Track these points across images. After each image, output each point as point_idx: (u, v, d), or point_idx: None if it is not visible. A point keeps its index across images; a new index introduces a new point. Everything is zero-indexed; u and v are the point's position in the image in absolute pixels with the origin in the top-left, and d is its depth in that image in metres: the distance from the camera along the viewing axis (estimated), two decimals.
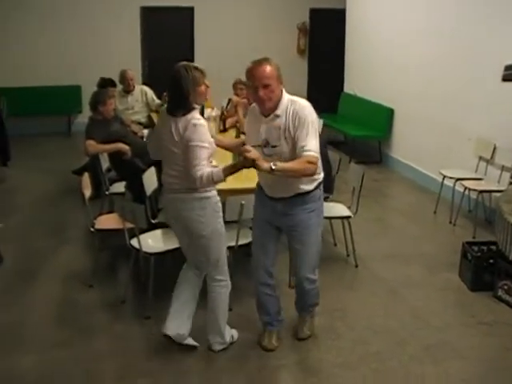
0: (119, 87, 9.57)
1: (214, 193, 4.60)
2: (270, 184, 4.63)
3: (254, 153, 4.16)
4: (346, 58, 13.10)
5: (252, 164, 4.15)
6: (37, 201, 8.54)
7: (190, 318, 4.88)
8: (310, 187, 4.58)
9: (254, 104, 4.61)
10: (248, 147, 4.20)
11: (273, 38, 14.22)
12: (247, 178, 5.94)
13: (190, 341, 4.89)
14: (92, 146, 7.19)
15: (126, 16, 13.61)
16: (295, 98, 4.45)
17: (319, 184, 4.67)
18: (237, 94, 9.03)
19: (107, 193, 7.10)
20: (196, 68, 4.49)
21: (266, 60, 4.39)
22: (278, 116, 4.39)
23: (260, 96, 4.32)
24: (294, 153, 4.34)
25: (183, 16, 14.21)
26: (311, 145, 4.28)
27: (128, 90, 9.57)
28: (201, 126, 4.38)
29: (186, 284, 4.93)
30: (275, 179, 4.40)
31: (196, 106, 4.47)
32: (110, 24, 13.41)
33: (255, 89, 4.33)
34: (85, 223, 6.68)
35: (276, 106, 4.38)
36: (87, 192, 5.95)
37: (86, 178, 6.13)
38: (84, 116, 9.10)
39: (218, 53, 13.74)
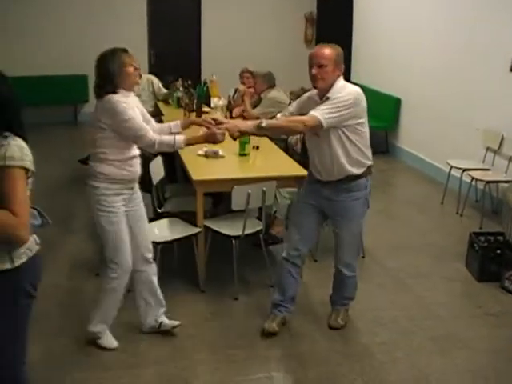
0: None
1: (103, 185, 4.48)
2: (317, 165, 4.75)
3: (230, 123, 4.43)
4: (353, 47, 13.04)
5: (215, 140, 4.42)
6: (43, 189, 8.52)
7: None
8: (358, 171, 4.65)
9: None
10: (224, 120, 4.40)
11: (280, 27, 14.17)
12: (254, 167, 5.95)
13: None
14: None
15: (133, 5, 13.56)
16: (350, 85, 4.64)
17: (367, 170, 4.72)
18: (243, 83, 9.00)
19: None
20: (124, 50, 4.48)
21: (329, 44, 4.68)
22: (328, 98, 4.50)
23: (313, 74, 4.53)
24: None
25: (190, 5, 14.17)
26: (320, 110, 4.40)
27: None
28: (113, 103, 4.35)
29: None
30: (322, 160, 4.65)
31: (121, 91, 4.42)
32: (117, 13, 13.34)
33: (310, 67, 4.57)
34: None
35: (328, 89, 4.53)
36: None
37: None
38: (90, 105, 9.05)
39: (225, 41, 13.70)
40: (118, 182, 4.46)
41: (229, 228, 5.60)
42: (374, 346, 4.91)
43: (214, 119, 4.55)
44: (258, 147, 6.55)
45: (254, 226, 5.67)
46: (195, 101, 8.50)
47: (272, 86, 8.42)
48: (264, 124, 4.41)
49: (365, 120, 4.66)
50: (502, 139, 7.94)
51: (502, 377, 4.56)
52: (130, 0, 13.51)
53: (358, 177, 4.66)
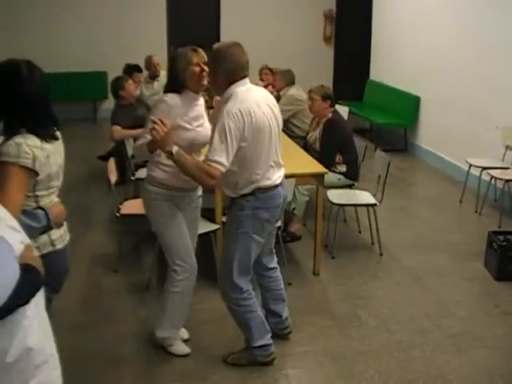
0: (145, 73, 9.59)
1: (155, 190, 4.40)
2: None
3: (166, 131, 3.90)
4: (373, 45, 13.02)
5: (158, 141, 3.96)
6: (63, 186, 8.55)
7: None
8: (232, 194, 4.25)
9: None
10: (166, 122, 3.95)
11: (298, 25, 14.17)
12: None
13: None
14: (117, 131, 7.23)
15: (153, 2, 13.61)
16: (234, 99, 4.03)
17: (246, 194, 4.19)
18: (262, 80, 9.03)
19: (132, 178, 7.12)
20: (193, 49, 4.34)
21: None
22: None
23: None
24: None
25: (209, 3, 14.19)
26: (208, 163, 3.93)
27: (154, 76, 9.59)
28: (159, 101, 4.34)
29: None
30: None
31: (187, 92, 4.30)
32: (136, 10, 13.39)
33: None
34: (110, 208, 6.73)
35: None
36: (113, 177, 5.99)
37: (111, 164, 6.17)
38: (110, 102, 9.14)
39: (244, 39, 13.53)
40: (169, 188, 4.36)
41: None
42: (391, 344, 4.92)
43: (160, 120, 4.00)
44: None
45: (207, 227, 5.63)
46: (214, 98, 8.48)
47: (291, 83, 8.43)
48: (174, 153, 3.93)
49: (246, 144, 4.00)
50: None
51: None
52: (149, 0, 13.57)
53: (236, 197, 4.22)
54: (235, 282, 4.32)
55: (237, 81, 4.04)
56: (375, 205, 6.56)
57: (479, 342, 4.98)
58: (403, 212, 8.14)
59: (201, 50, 4.36)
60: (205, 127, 4.42)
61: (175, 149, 3.93)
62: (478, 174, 8.11)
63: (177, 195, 4.41)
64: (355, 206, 6.86)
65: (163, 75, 9.62)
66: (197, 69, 4.26)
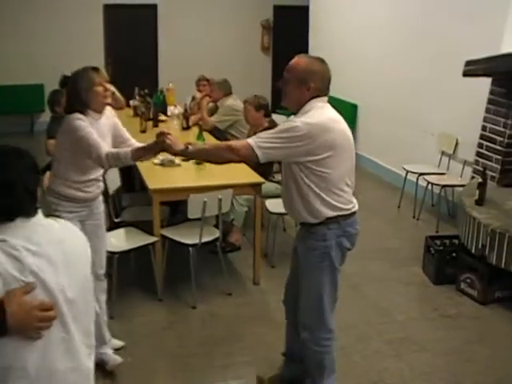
0: None
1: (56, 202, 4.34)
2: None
3: (172, 138, 3.91)
4: (310, 54, 13.08)
5: (162, 147, 3.95)
6: None
7: None
8: (312, 220, 3.83)
9: None
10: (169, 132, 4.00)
11: (237, 35, 14.21)
12: (210, 175, 5.95)
13: None
14: (53, 145, 7.11)
15: (89, 14, 13.47)
16: (322, 112, 3.78)
17: (329, 220, 3.81)
18: (200, 91, 9.00)
19: None
20: (94, 68, 4.33)
21: (307, 55, 4.11)
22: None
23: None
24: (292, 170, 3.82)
25: (147, 14, 14.12)
26: (257, 138, 3.74)
27: None
28: (73, 120, 4.23)
29: None
30: (283, 195, 4.04)
31: (90, 113, 4.27)
32: (73, 22, 13.24)
33: None
34: None
35: (297, 111, 3.84)
36: None
37: (48, 177, 6.08)
38: (47, 115, 8.99)
39: (182, 49, 13.67)
40: (71, 201, 4.32)
41: (186, 236, 5.58)
42: None
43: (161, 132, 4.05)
44: None
45: (211, 234, 5.67)
46: (152, 109, 8.46)
47: (228, 93, 8.42)
48: (190, 149, 3.88)
49: (329, 158, 3.70)
50: (457, 143, 8.04)
51: (458, 378, 4.61)
52: (86, 10, 13.42)
53: (316, 224, 3.84)
54: (327, 322, 4.03)
55: (320, 97, 3.83)
56: None
57: (418, 346, 5.03)
58: None
59: (101, 69, 4.38)
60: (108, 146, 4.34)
61: (189, 147, 3.89)
62: (414, 179, 8.21)
63: (79, 206, 4.38)
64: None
65: None
66: (100, 89, 4.25)
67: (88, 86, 4.22)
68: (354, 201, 3.95)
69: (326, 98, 3.87)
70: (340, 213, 3.80)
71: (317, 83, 3.77)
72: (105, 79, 4.31)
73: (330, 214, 3.78)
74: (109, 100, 4.33)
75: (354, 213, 3.92)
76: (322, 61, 3.90)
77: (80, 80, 4.27)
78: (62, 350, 2.23)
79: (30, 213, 2.25)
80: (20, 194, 2.23)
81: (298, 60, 3.88)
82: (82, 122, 4.18)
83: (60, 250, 2.24)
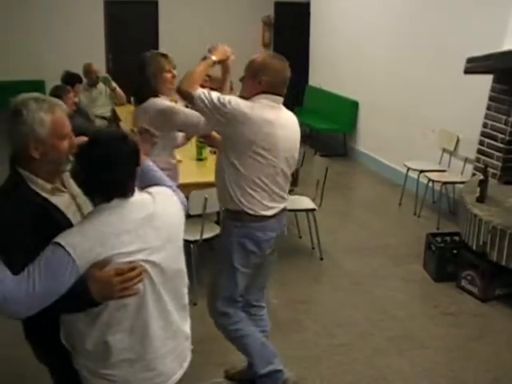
0: (84, 81, 9.46)
1: None
2: None
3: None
4: (311, 51, 13.11)
5: None
6: None
7: None
8: (225, 204, 3.96)
9: None
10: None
11: (238, 31, 14.17)
12: (211, 171, 5.93)
13: None
14: None
15: (90, 10, 13.47)
16: (252, 105, 3.76)
17: (235, 214, 3.88)
18: (202, 86, 8.97)
19: None
20: (162, 55, 4.40)
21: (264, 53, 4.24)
22: None
23: None
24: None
25: (148, 9, 14.12)
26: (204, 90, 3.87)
27: (92, 84, 9.46)
28: (157, 102, 4.28)
29: None
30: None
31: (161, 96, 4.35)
32: (74, 18, 13.24)
33: None
34: None
35: None
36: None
37: None
38: None
39: (183, 45, 13.60)
40: None
41: (186, 233, 5.52)
42: (332, 348, 4.93)
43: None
44: (215, 152, 6.54)
45: (212, 231, 5.65)
46: None
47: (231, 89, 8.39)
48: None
49: (245, 154, 3.71)
50: (458, 140, 8.03)
51: (458, 375, 4.61)
52: (87, 5, 13.42)
53: (229, 213, 3.93)
54: (217, 306, 4.13)
55: (272, 94, 3.84)
56: (314, 210, 6.59)
57: (419, 343, 5.03)
58: (343, 216, 8.20)
59: (170, 56, 4.42)
60: None
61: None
62: (415, 176, 8.21)
63: None
64: (294, 211, 6.87)
65: (101, 82, 9.51)
66: (169, 75, 4.34)
67: (156, 72, 4.28)
68: (275, 207, 3.90)
69: (278, 98, 3.85)
70: (245, 209, 3.80)
71: (269, 77, 3.81)
72: (172, 66, 4.39)
73: (232, 206, 3.84)
74: (175, 85, 4.30)
75: (265, 217, 3.85)
76: (281, 59, 3.97)
77: (148, 66, 4.30)
78: (155, 310, 2.59)
79: (126, 194, 2.52)
80: (120, 177, 2.48)
81: (257, 55, 3.99)
82: (164, 101, 4.30)
83: (150, 224, 2.54)
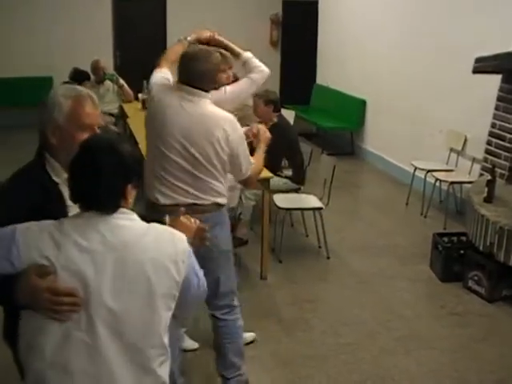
0: (92, 78, 9.48)
1: None
2: None
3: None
4: (319, 49, 13.10)
5: None
6: None
7: None
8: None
9: None
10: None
11: (245, 29, 14.15)
12: None
13: None
14: None
15: (98, 6, 13.48)
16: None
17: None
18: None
19: None
20: (221, 53, 4.19)
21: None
22: None
23: None
24: None
25: (156, 6, 14.14)
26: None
27: (100, 81, 9.48)
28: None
29: None
30: None
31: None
32: (82, 14, 13.26)
33: None
34: None
35: None
36: None
37: None
38: None
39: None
40: None
41: None
42: (338, 347, 4.93)
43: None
44: None
45: None
46: None
47: None
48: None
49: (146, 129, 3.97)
50: (466, 140, 8.01)
51: (464, 375, 4.60)
52: (95, 3, 13.44)
53: None
54: None
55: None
56: (321, 208, 6.58)
57: (426, 343, 5.02)
58: (350, 215, 8.20)
59: (228, 56, 4.52)
60: None
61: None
62: (423, 176, 8.19)
63: None
64: (301, 210, 6.88)
65: (108, 80, 9.52)
66: (224, 76, 4.35)
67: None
68: (156, 194, 3.84)
69: (187, 89, 3.82)
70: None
71: None
72: (229, 65, 4.45)
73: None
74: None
75: (153, 204, 3.85)
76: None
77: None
78: (82, 350, 2.18)
79: (104, 209, 2.26)
80: (94, 188, 2.24)
81: None
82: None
83: (113, 256, 2.20)
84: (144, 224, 2.32)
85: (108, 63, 10.36)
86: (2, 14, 12.80)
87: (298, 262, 6.49)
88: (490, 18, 7.44)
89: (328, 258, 6.63)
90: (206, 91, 3.82)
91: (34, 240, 2.19)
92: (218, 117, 3.79)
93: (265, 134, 4.23)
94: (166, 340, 2.32)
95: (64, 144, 2.59)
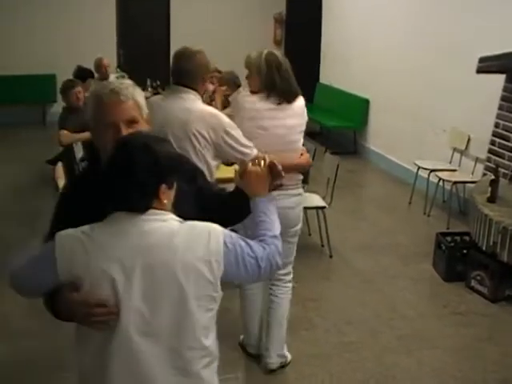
0: (96, 76, 9.50)
1: None
2: None
3: None
4: (322, 48, 13.10)
5: None
6: (9, 190, 8.45)
7: None
8: None
9: None
10: None
11: (249, 27, 14.18)
12: (220, 168, 5.94)
13: None
14: (65, 135, 7.13)
15: (102, 4, 13.47)
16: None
17: None
18: (212, 83, 8.98)
19: None
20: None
21: None
22: None
23: None
24: None
25: (159, 5, 14.15)
26: None
27: (103, 78, 9.49)
28: None
29: None
30: None
31: None
32: (86, 12, 13.25)
33: None
34: None
35: None
36: (61, 182, 5.92)
37: (59, 168, 6.10)
38: (59, 105, 9.01)
39: (194, 42, 13.54)
40: None
41: None
42: (341, 346, 4.95)
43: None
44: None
45: None
46: None
47: (238, 85, 8.40)
48: None
49: None
50: (469, 140, 8.01)
51: (467, 375, 4.61)
52: (99, 1, 13.44)
53: None
54: None
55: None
56: (324, 207, 6.59)
57: (428, 343, 5.03)
58: (353, 214, 8.20)
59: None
60: None
61: None
62: (426, 175, 8.20)
63: None
64: (305, 208, 6.88)
65: (112, 78, 9.53)
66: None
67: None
68: None
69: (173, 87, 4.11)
70: None
71: None
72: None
73: None
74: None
75: None
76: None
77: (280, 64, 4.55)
78: (119, 355, 2.20)
79: (135, 209, 2.23)
80: (128, 188, 2.21)
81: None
82: None
83: (141, 261, 2.17)
84: (176, 224, 2.26)
85: (111, 61, 10.35)
86: (6, 11, 12.78)
87: (300, 260, 6.44)
88: (495, 18, 7.44)
89: (331, 256, 6.64)
90: (195, 90, 4.01)
91: (68, 253, 2.21)
92: (202, 112, 3.94)
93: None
94: (208, 341, 2.36)
95: (95, 140, 2.57)
